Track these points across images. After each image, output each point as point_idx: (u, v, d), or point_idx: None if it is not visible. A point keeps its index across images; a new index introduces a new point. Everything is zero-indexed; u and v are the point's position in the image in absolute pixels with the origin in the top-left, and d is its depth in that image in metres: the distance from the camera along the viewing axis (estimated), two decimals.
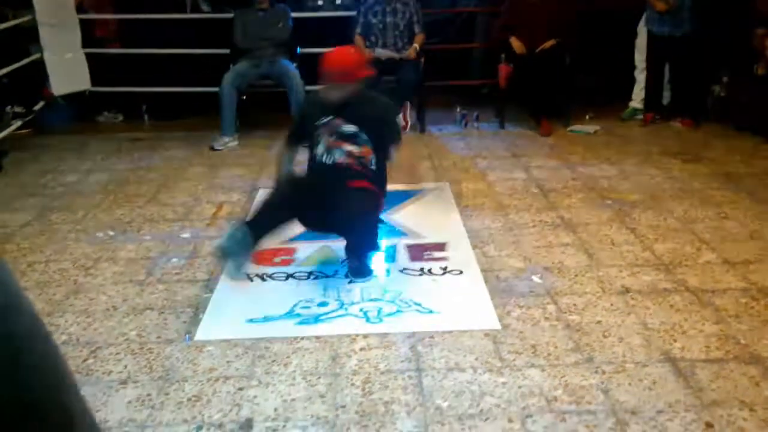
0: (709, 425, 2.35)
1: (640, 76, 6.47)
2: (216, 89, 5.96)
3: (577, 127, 6.20)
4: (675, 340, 2.87)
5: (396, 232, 4.09)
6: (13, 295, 0.45)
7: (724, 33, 5.99)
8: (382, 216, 4.28)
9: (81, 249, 3.94)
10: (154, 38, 6.69)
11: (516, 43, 6.06)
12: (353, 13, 6.27)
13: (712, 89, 6.40)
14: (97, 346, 2.94)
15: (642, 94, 6.46)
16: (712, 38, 5.99)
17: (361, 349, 2.87)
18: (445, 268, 3.59)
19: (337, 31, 6.56)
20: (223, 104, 5.88)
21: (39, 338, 0.46)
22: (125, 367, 2.78)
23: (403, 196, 4.63)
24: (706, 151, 5.44)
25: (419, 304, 3.22)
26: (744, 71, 5.99)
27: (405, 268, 3.60)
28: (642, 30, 6.38)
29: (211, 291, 3.39)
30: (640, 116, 6.42)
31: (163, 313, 3.20)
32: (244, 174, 5.20)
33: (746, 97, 5.90)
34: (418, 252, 3.80)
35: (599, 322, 3.03)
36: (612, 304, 3.17)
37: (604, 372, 2.66)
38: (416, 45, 6.02)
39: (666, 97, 6.40)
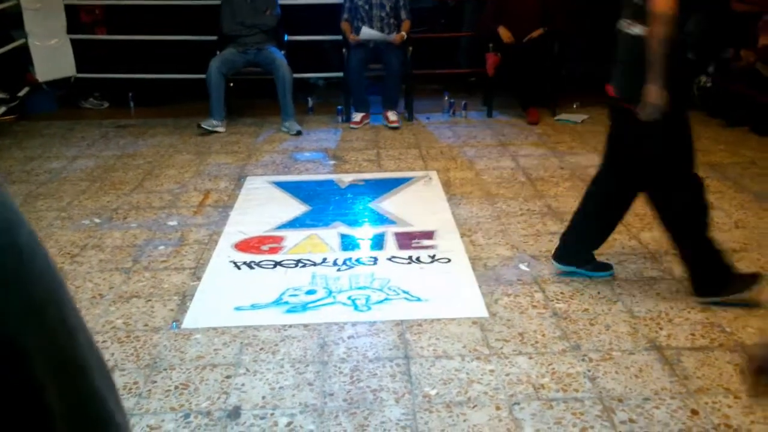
0: (694, 412, 2.38)
1: None
2: (203, 76, 5.92)
3: (564, 116, 6.21)
4: (661, 328, 2.89)
5: (384, 220, 4.09)
6: (13, 211, 0.46)
7: (712, 24, 6.04)
8: (370, 204, 4.30)
9: (67, 236, 3.91)
10: (140, 24, 6.64)
11: (504, 33, 6.06)
12: (341, 0, 6.23)
13: (697, 79, 6.43)
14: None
15: None
16: (701, 29, 6.01)
17: (350, 337, 2.87)
18: (434, 256, 3.60)
19: (325, 19, 6.54)
20: (211, 89, 5.83)
21: (39, 249, 0.48)
22: (112, 355, 2.77)
23: (391, 184, 4.64)
24: None
25: (407, 292, 3.23)
26: (730, 62, 6.03)
27: (393, 256, 3.61)
28: None
29: (198, 279, 3.38)
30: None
31: (149, 300, 3.19)
32: (231, 162, 5.17)
33: (731, 88, 5.93)
34: (406, 240, 3.80)
35: (586, 309, 3.05)
36: (599, 292, 3.19)
37: (591, 360, 2.68)
38: (403, 32, 6.00)
39: None
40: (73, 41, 6.56)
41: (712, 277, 3.05)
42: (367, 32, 5.93)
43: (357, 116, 6.08)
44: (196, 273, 3.45)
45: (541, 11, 6.02)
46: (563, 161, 5.05)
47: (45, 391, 0.45)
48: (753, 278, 3.05)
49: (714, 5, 6.09)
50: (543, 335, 2.86)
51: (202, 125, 5.79)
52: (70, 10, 6.57)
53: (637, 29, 2.83)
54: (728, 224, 3.93)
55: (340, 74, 6.32)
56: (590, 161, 5.01)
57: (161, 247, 3.75)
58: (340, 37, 6.27)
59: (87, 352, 0.50)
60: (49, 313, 0.47)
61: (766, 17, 5.79)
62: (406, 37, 6.02)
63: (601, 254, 3.56)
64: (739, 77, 5.78)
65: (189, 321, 3.01)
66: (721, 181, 4.58)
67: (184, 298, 3.21)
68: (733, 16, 6.08)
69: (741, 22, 5.98)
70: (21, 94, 6.44)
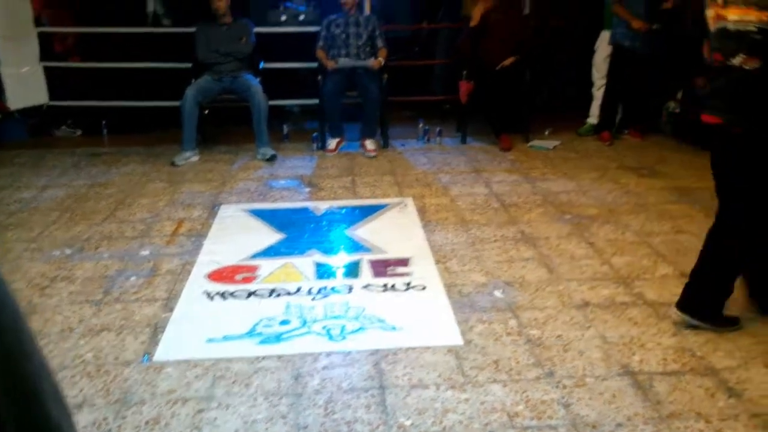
0: None
1: (598, 93, 6.58)
2: (177, 103, 5.91)
3: (536, 142, 6.28)
4: (633, 354, 2.91)
5: (360, 247, 4.09)
6: None
7: (681, 51, 6.18)
8: (346, 232, 4.30)
9: (36, 268, 3.86)
10: (114, 52, 6.63)
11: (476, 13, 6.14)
12: (316, 28, 6.28)
13: (666, 105, 6.55)
14: (52, 369, 2.88)
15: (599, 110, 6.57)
16: (670, 56, 6.16)
17: (324, 368, 2.85)
18: (409, 284, 3.60)
19: (300, 46, 6.58)
20: (185, 119, 5.82)
21: (7, 300, 0.47)
22: (81, 390, 2.72)
23: (367, 212, 4.65)
24: (662, 166, 5.55)
25: (382, 321, 3.22)
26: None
27: (368, 284, 3.60)
28: (601, 47, 6.50)
29: (171, 310, 3.35)
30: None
31: (120, 333, 3.15)
32: (205, 190, 5.15)
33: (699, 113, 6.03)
34: (381, 268, 3.80)
35: (560, 336, 3.06)
36: (572, 318, 3.21)
37: (564, 386, 2.69)
38: (380, 58, 6.05)
39: (618, 112, 6.51)
40: (46, 69, 6.53)
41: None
42: (344, 61, 5.98)
43: (332, 143, 6.10)
44: (169, 304, 3.42)
45: (513, 40, 6.11)
46: (536, 187, 5.10)
47: None
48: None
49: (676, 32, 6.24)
50: (517, 362, 2.86)
51: (176, 162, 5.77)
52: (43, 39, 6.54)
53: (754, 64, 2.89)
54: (698, 248, 3.95)
55: (316, 101, 6.35)
56: (562, 187, 5.08)
57: (133, 278, 3.71)
58: (315, 65, 6.30)
59: (41, 377, 0.50)
60: (4, 340, 0.46)
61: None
62: (383, 63, 6.07)
63: (572, 279, 3.59)
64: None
65: (160, 354, 2.98)
66: (691, 205, 4.65)
67: (156, 330, 3.17)
68: (692, 42, 6.19)
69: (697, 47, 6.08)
70: None
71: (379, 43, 6.13)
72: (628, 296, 3.41)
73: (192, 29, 6.20)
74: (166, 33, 6.95)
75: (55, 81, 6.60)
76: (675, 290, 3.43)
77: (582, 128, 6.64)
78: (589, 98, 6.66)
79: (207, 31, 6.02)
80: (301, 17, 6.90)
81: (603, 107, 6.43)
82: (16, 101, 6.34)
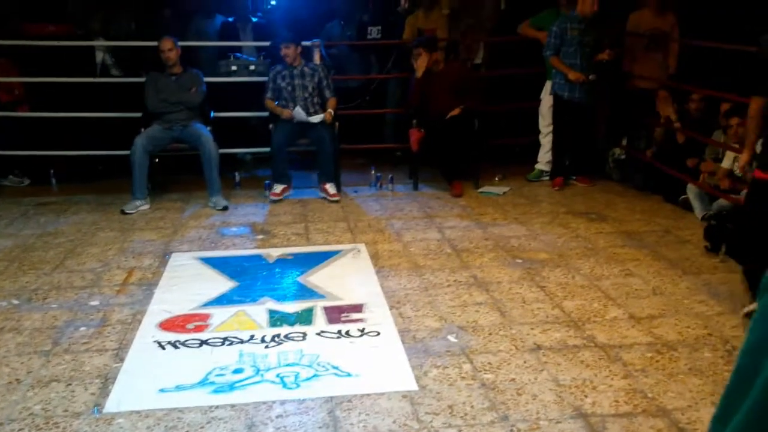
0: None
1: (544, 140, 6.76)
2: (127, 152, 5.87)
3: (486, 188, 6.39)
4: (586, 396, 2.95)
5: (313, 294, 4.08)
6: None
7: (623, 100, 6.44)
8: (299, 279, 4.29)
9: None
10: (63, 102, 6.57)
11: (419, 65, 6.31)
12: (266, 78, 6.33)
13: (612, 151, 6.75)
14: None
15: (547, 157, 6.73)
16: (613, 105, 6.39)
17: (278, 416, 2.82)
18: (363, 330, 3.60)
19: (251, 96, 6.61)
20: (135, 168, 5.78)
21: None
22: None
23: (320, 258, 4.65)
24: (610, 211, 5.69)
25: (337, 368, 3.21)
26: (641, 135, 6.38)
27: (322, 331, 3.59)
28: (546, 97, 6.70)
29: (122, 360, 3.28)
30: (546, 178, 6.68)
31: (70, 384, 3.07)
32: (155, 238, 5.10)
33: (644, 159, 6.25)
34: (335, 314, 3.79)
35: (513, 379, 3.09)
36: (525, 362, 3.24)
37: (519, 430, 2.71)
38: (330, 110, 6.12)
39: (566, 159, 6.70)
40: None
41: None
42: (299, 113, 6.03)
43: (278, 188, 6.11)
44: (119, 354, 3.35)
45: (457, 91, 6.26)
46: (487, 232, 5.17)
47: None
48: None
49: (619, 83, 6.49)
50: (472, 407, 2.87)
51: (126, 210, 5.71)
52: None
53: None
54: (646, 291, 4.07)
55: (267, 149, 6.37)
56: (513, 232, 5.17)
57: (82, 329, 3.63)
58: (266, 114, 6.34)
59: None
60: None
61: (661, 93, 6.18)
62: (333, 114, 6.14)
63: (525, 323, 3.64)
64: (659, 149, 6.08)
65: (111, 405, 2.91)
66: (638, 249, 4.76)
67: (107, 381, 3.10)
68: (637, 93, 6.46)
69: (645, 98, 6.34)
70: None
71: (327, 93, 6.20)
72: (579, 339, 3.47)
73: (141, 79, 6.20)
74: (116, 83, 6.93)
75: (2, 130, 6.49)
76: (625, 332, 3.52)
77: (531, 174, 6.80)
78: (537, 145, 6.84)
79: (157, 80, 6.02)
80: (252, 67, 6.94)
81: (553, 154, 6.60)
82: None
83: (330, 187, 6.12)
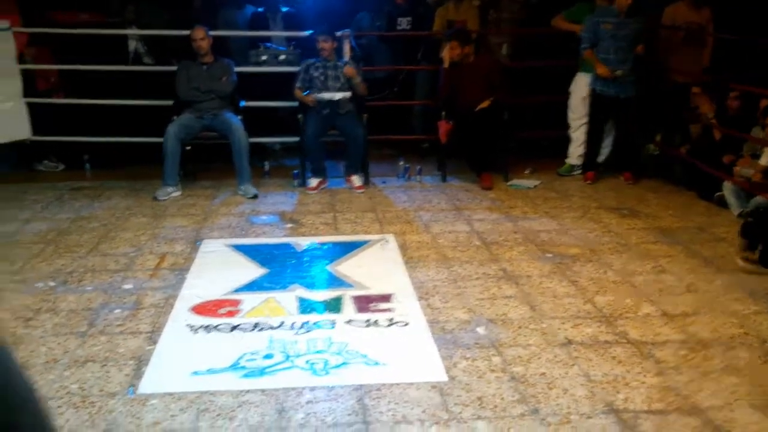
0: None
1: (574, 134, 6.70)
2: (159, 140, 5.92)
3: (516, 181, 6.35)
4: (618, 392, 2.92)
5: (342, 283, 4.09)
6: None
7: (658, 96, 6.35)
8: (328, 267, 4.31)
9: (20, 300, 3.82)
10: (97, 89, 6.64)
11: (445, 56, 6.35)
12: (296, 68, 6.34)
13: (646, 147, 6.68)
14: None
15: (578, 151, 6.68)
16: (648, 100, 6.31)
17: (308, 402, 2.84)
18: (391, 320, 3.60)
19: (280, 86, 6.63)
20: (167, 155, 5.83)
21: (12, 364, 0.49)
22: (66, 421, 2.69)
23: (348, 248, 4.65)
24: (642, 206, 5.63)
25: (366, 356, 3.22)
26: (676, 130, 6.29)
27: (351, 320, 3.60)
28: (575, 90, 6.65)
29: (155, 343, 3.32)
30: (577, 172, 6.63)
31: (105, 365, 3.11)
32: (187, 224, 5.14)
33: (679, 155, 6.18)
34: (364, 303, 3.80)
35: (543, 373, 3.07)
36: (556, 356, 3.22)
37: (549, 424, 2.69)
38: (354, 70, 6.12)
39: (603, 154, 6.63)
40: (29, 105, 6.52)
41: None
42: (322, 95, 6.03)
43: (313, 181, 6.12)
44: (152, 337, 3.39)
45: (487, 83, 6.22)
46: (517, 226, 5.14)
47: None
48: None
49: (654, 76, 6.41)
50: (502, 399, 2.86)
51: (158, 197, 5.76)
52: (26, 77, 6.54)
53: None
54: (680, 288, 4.02)
55: (296, 138, 6.39)
56: (543, 226, 5.13)
57: (117, 311, 3.68)
58: (295, 103, 6.35)
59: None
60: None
61: (695, 88, 6.09)
62: (356, 74, 6.11)
63: (555, 317, 3.62)
64: (695, 145, 6.00)
65: (145, 386, 2.95)
66: (672, 246, 4.71)
67: (140, 362, 3.14)
68: (673, 87, 6.38)
69: (681, 93, 6.25)
70: None
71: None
72: (611, 335, 3.44)
73: (173, 68, 6.25)
74: (148, 71, 6.99)
75: (39, 116, 6.58)
76: (658, 329, 3.48)
77: (562, 168, 6.74)
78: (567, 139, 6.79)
79: (188, 69, 6.06)
80: (282, 57, 6.95)
81: (586, 148, 6.55)
82: None
83: (356, 179, 6.13)
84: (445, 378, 3.03)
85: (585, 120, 6.58)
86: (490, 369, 3.11)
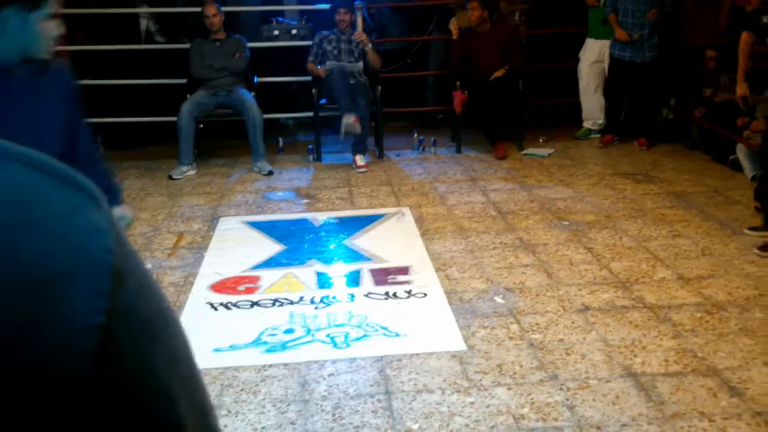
0: None
1: (584, 100, 6.71)
2: (173, 118, 5.95)
3: (531, 150, 6.34)
4: (635, 356, 2.95)
5: (359, 256, 4.13)
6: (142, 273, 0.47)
7: (673, 59, 6.29)
8: (345, 242, 4.34)
9: None
10: (109, 69, 6.66)
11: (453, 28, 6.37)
12: (309, 43, 6.33)
13: (660, 111, 6.63)
14: None
15: (592, 116, 6.68)
16: (665, 65, 6.26)
17: (330, 375, 2.88)
18: (410, 292, 3.64)
19: (293, 60, 6.62)
20: (181, 134, 5.86)
21: (167, 309, 0.49)
22: None
23: (365, 222, 4.68)
24: (657, 171, 5.61)
25: (386, 328, 3.26)
26: (691, 94, 6.23)
27: (370, 293, 3.64)
28: (583, 56, 6.63)
29: None
30: (596, 136, 6.63)
31: None
32: (203, 203, 5.18)
33: (693, 120, 6.13)
34: (382, 276, 3.84)
35: (561, 339, 3.10)
36: (573, 322, 3.25)
37: (568, 389, 2.73)
38: (365, 39, 6.10)
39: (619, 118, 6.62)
40: None
41: None
42: (331, 64, 6.02)
43: (349, 118, 5.79)
44: None
45: (501, 52, 6.19)
46: (532, 194, 5.15)
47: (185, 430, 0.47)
48: None
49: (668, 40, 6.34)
50: (521, 366, 2.90)
51: (173, 176, 5.80)
52: None
53: None
54: (695, 251, 4.03)
55: (310, 114, 6.39)
56: (558, 194, 5.14)
57: None
58: (308, 78, 6.35)
59: (206, 396, 0.52)
60: (182, 367, 0.49)
61: (709, 52, 6.01)
62: (366, 40, 6.09)
63: (572, 284, 3.64)
64: (709, 108, 5.94)
65: None
66: (687, 210, 4.70)
67: None
68: (685, 52, 6.32)
69: (694, 57, 6.19)
70: None
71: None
72: (627, 300, 3.46)
73: (185, 45, 6.25)
74: (160, 50, 6.99)
75: None
76: (674, 293, 3.50)
77: (579, 132, 6.75)
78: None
79: (201, 47, 6.07)
80: (294, 32, 6.94)
81: (606, 111, 6.54)
82: None
83: (359, 159, 5.94)
84: (464, 347, 3.06)
85: (594, 85, 6.58)
86: (508, 337, 3.14)
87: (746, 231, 4.26)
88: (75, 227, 0.41)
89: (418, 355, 3.00)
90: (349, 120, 5.84)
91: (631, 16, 6.10)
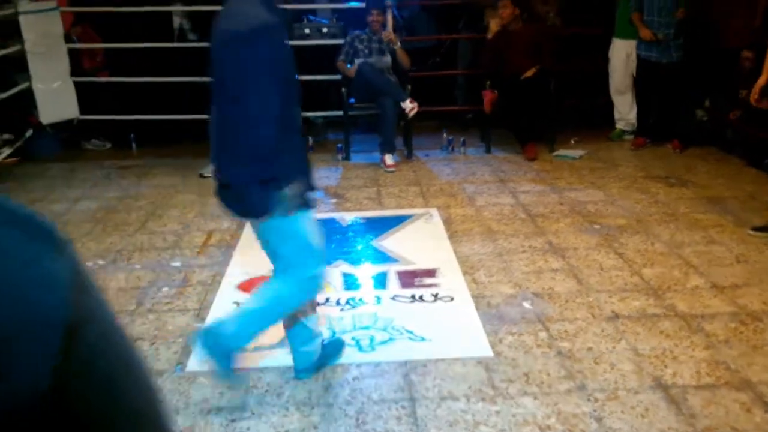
0: None
1: (616, 100, 6.64)
2: (204, 116, 5.96)
3: (562, 151, 6.26)
4: (666, 366, 2.89)
5: (386, 258, 4.11)
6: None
7: (706, 60, 6.17)
8: (372, 243, 4.31)
9: None
10: (142, 67, 6.72)
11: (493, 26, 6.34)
12: (339, 41, 6.32)
13: (695, 113, 6.51)
14: None
15: (625, 117, 6.60)
16: (695, 65, 6.15)
17: (354, 379, 2.87)
18: (436, 295, 3.60)
19: (324, 59, 6.62)
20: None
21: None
22: None
23: (392, 222, 4.66)
24: (691, 175, 5.51)
25: (411, 332, 3.23)
26: (726, 96, 6.10)
27: (396, 295, 3.62)
28: (612, 56, 6.55)
29: (203, 320, 3.38)
30: (628, 137, 6.54)
31: (154, 343, 3.19)
32: None
33: (728, 122, 6.01)
34: (408, 278, 3.81)
35: (590, 348, 3.05)
36: (602, 330, 3.20)
37: (596, 399, 2.68)
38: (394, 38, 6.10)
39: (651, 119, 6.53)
40: (76, 84, 6.63)
41: None
42: (360, 62, 6.02)
43: (389, 158, 5.96)
44: (200, 314, 3.45)
45: (533, 51, 6.13)
46: (563, 197, 5.08)
47: None
48: None
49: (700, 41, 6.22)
50: (548, 375, 2.86)
51: (204, 174, 5.83)
52: (73, 56, 6.65)
53: None
54: (729, 259, 3.94)
55: (339, 113, 6.38)
56: (589, 197, 5.06)
57: (165, 289, 3.75)
58: (339, 77, 6.34)
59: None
60: (145, 423, 0.46)
61: (745, 53, 5.87)
62: (392, 37, 6.09)
63: (602, 291, 3.58)
64: (745, 110, 5.81)
65: (193, 364, 3.01)
66: (721, 215, 4.60)
67: (189, 340, 3.21)
68: (720, 52, 6.18)
69: (729, 58, 6.06)
70: (25, 136, 6.51)
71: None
72: (659, 308, 3.39)
73: None
74: (193, 48, 7.03)
75: (85, 95, 6.70)
76: (707, 302, 3.42)
77: (613, 133, 6.68)
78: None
79: None
80: (325, 30, 6.94)
81: (637, 114, 6.46)
82: (47, 116, 6.45)
83: (388, 158, 5.95)
84: (490, 353, 3.03)
85: (625, 84, 6.50)
86: (536, 344, 3.10)
87: (749, 232, 4.23)
88: (28, 282, 0.39)
89: (443, 360, 2.97)
90: (408, 104, 5.87)
91: (657, 14, 6.01)
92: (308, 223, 2.55)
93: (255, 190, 2.38)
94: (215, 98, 2.51)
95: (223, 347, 2.52)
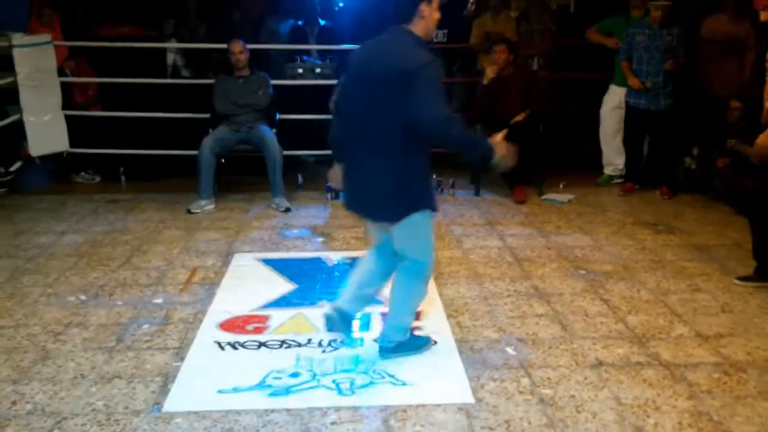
0: None
1: (604, 146, 6.71)
2: (194, 152, 5.99)
3: (551, 195, 6.28)
4: (648, 416, 2.86)
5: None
6: None
7: (694, 108, 6.24)
8: None
9: (51, 313, 3.87)
10: (134, 102, 6.75)
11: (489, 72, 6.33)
12: (332, 82, 6.36)
13: (683, 161, 6.56)
14: (63, 416, 2.87)
15: (612, 162, 6.65)
16: (683, 113, 6.21)
17: (332, 423, 2.82)
18: None
19: (316, 99, 6.66)
20: (202, 168, 5.89)
21: None
22: None
23: None
24: (678, 222, 5.52)
25: (393, 376, 3.20)
26: (714, 144, 6.15)
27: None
28: (605, 101, 6.62)
29: (182, 359, 3.34)
30: (617, 181, 6.58)
31: (131, 382, 3.14)
32: (219, 238, 5.17)
33: (716, 170, 6.04)
34: None
35: (573, 396, 3.02)
36: (586, 378, 3.17)
37: None
38: None
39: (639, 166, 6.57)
40: (67, 117, 6.64)
41: None
42: None
43: None
44: (180, 353, 3.41)
45: (524, 95, 6.19)
46: (550, 241, 5.08)
47: None
48: None
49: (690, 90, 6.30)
50: (529, 423, 2.82)
51: (192, 210, 5.82)
52: (65, 89, 6.67)
53: None
54: (715, 308, 3.93)
55: (329, 152, 6.38)
56: (576, 242, 5.06)
57: (145, 326, 3.71)
58: (329, 116, 6.36)
59: None
60: None
61: (733, 102, 5.93)
62: None
63: (586, 337, 3.56)
64: (733, 159, 5.85)
65: (170, 404, 2.96)
66: (708, 263, 4.61)
67: (167, 379, 3.16)
68: (705, 100, 6.24)
69: (718, 106, 6.11)
70: (13, 168, 6.50)
71: None
72: (643, 356, 3.37)
73: (210, 81, 6.32)
74: (185, 84, 7.08)
75: (76, 129, 6.71)
76: (691, 351, 3.40)
77: (601, 178, 6.71)
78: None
79: (225, 83, 6.12)
80: (318, 70, 7.00)
81: (626, 160, 6.53)
82: (37, 148, 6.45)
83: None
84: (472, 400, 2.99)
85: (613, 130, 6.56)
86: (518, 391, 3.07)
87: (735, 281, 4.25)
88: None
89: (424, 406, 2.94)
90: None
91: (645, 63, 6.10)
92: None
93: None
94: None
95: (404, 345, 3.33)
